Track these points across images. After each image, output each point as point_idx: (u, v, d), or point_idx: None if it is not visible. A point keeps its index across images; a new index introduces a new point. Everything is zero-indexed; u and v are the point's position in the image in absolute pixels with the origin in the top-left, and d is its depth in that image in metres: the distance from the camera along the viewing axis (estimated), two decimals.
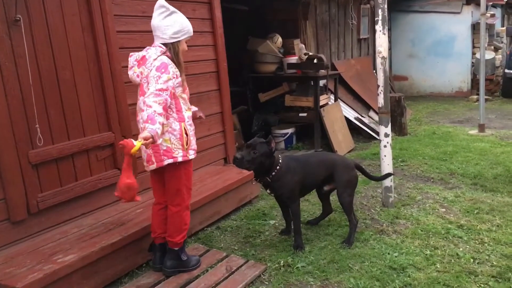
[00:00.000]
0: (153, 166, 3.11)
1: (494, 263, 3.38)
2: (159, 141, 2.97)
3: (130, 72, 3.18)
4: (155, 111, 2.82)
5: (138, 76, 3.12)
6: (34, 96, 3.27)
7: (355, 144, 7.30)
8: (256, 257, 3.65)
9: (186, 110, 3.20)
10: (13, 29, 3.14)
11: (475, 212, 4.28)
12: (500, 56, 12.07)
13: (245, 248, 3.82)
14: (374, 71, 5.25)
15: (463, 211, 4.32)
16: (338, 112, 7.28)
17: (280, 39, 7.27)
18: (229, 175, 4.68)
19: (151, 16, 4.17)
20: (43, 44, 3.37)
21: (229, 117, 5.32)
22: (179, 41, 3.11)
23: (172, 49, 3.08)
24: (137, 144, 2.73)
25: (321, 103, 6.85)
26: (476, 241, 3.73)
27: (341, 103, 7.75)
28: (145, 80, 3.04)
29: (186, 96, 3.22)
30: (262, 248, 3.81)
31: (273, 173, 3.63)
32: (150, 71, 2.98)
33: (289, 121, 7.09)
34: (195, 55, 4.77)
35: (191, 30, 3.18)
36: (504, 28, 12.64)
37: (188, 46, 4.58)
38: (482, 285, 3.11)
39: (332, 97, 7.57)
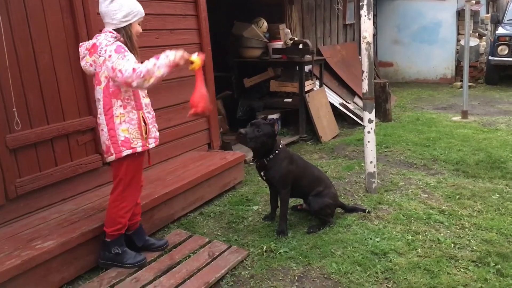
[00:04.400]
0: (112, 158, 3.03)
1: (474, 248, 3.42)
2: (117, 130, 2.97)
3: (82, 63, 3.07)
4: (146, 62, 2.81)
5: (91, 65, 3.00)
6: (11, 79, 3.18)
7: (340, 130, 7.30)
8: (239, 242, 3.64)
9: (144, 97, 3.12)
10: None
11: (457, 198, 4.32)
12: (485, 43, 12.13)
13: (228, 234, 3.81)
14: (360, 57, 5.24)
15: (445, 197, 4.36)
16: (323, 98, 7.27)
17: (265, 24, 7.20)
18: (213, 161, 4.65)
19: None
20: (20, 26, 3.27)
21: (213, 102, 5.26)
22: (130, 24, 3.00)
23: (125, 33, 2.98)
24: (194, 58, 3.00)
25: (306, 88, 6.81)
26: (457, 226, 3.77)
27: (326, 89, 7.73)
28: (100, 68, 2.92)
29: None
30: (245, 233, 3.81)
31: (271, 155, 3.66)
32: (109, 56, 2.85)
33: (274, 106, 7.05)
34: (178, 38, 4.69)
35: (142, 10, 3.07)
36: (489, 15, 12.69)
37: (170, 29, 4.59)
38: (462, 270, 3.14)
39: (318, 82, 7.55)
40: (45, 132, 3.46)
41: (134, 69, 2.78)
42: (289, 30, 7.43)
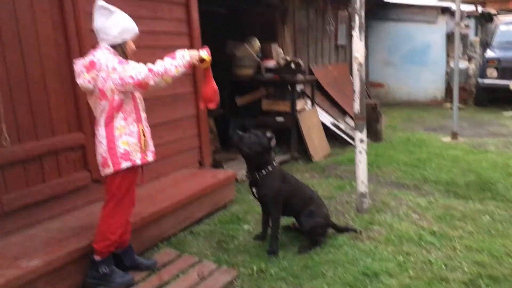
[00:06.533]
0: (110, 170, 3.00)
1: (465, 270, 3.40)
2: (117, 142, 2.97)
3: (79, 80, 3.01)
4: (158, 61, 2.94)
5: (89, 82, 2.96)
6: (1, 95, 3.15)
7: (331, 149, 7.31)
8: (229, 262, 3.59)
9: (142, 111, 3.16)
10: None
11: (448, 219, 4.31)
12: (473, 65, 12.31)
13: (218, 253, 3.76)
14: (351, 77, 5.31)
15: (436, 218, 4.35)
16: (314, 117, 7.29)
17: (258, 43, 7.24)
18: (204, 179, 4.62)
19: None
20: (11, 41, 3.26)
21: (204, 120, 5.25)
22: (125, 41, 3.06)
23: (120, 50, 3.03)
24: (205, 57, 3.13)
25: (298, 108, 6.84)
26: (448, 248, 3.75)
27: (318, 109, 7.76)
28: (104, 82, 2.92)
29: (140, 96, 3.18)
30: (235, 253, 3.76)
31: (264, 171, 3.63)
32: (113, 69, 2.90)
33: (266, 125, 7.01)
34: None
35: (136, 28, 3.12)
36: (478, 38, 12.92)
37: (163, 47, 4.58)
38: None
39: (309, 102, 7.58)
40: (34, 148, 3.41)
41: (150, 69, 2.89)
42: (281, 50, 7.48)
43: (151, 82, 2.91)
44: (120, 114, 2.99)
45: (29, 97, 3.40)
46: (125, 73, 2.89)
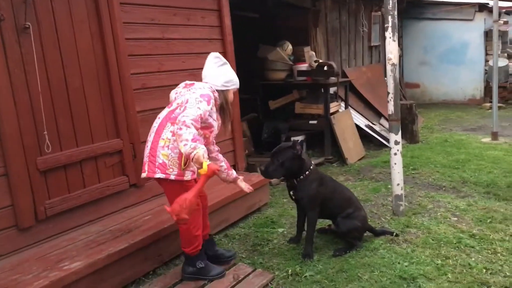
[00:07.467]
0: (144, 175, 3.11)
1: (507, 273, 3.30)
2: (158, 152, 3.05)
3: (173, 90, 3.34)
4: (195, 133, 2.85)
5: (176, 93, 3.26)
6: (42, 103, 3.28)
7: (366, 151, 7.23)
8: (264, 265, 3.61)
9: None
10: (22, 37, 3.17)
11: (488, 222, 4.20)
12: None
13: (253, 256, 3.79)
14: (385, 78, 5.24)
15: (476, 220, 4.24)
16: (348, 120, 7.23)
17: (290, 47, 7.26)
18: None
19: (160, 24, 4.24)
20: (52, 51, 3.39)
21: (238, 124, 5.29)
22: (228, 90, 3.31)
23: (222, 96, 3.28)
24: (204, 165, 2.77)
25: (332, 110, 6.81)
26: (489, 251, 3.65)
27: (352, 111, 7.70)
28: (180, 96, 3.15)
29: (201, 132, 3.12)
30: (270, 256, 3.77)
31: (302, 176, 3.66)
32: (193, 93, 3.07)
33: (299, 128, 7.04)
34: (204, 62, 4.75)
35: (238, 83, 3.39)
36: None
37: (196, 53, 4.67)
38: None
39: (343, 104, 7.53)
40: (74, 155, 3.54)
41: (187, 126, 2.82)
42: (314, 53, 7.47)
43: (177, 128, 2.86)
44: (171, 127, 3.05)
45: (69, 105, 3.52)
46: (186, 103, 2.99)
